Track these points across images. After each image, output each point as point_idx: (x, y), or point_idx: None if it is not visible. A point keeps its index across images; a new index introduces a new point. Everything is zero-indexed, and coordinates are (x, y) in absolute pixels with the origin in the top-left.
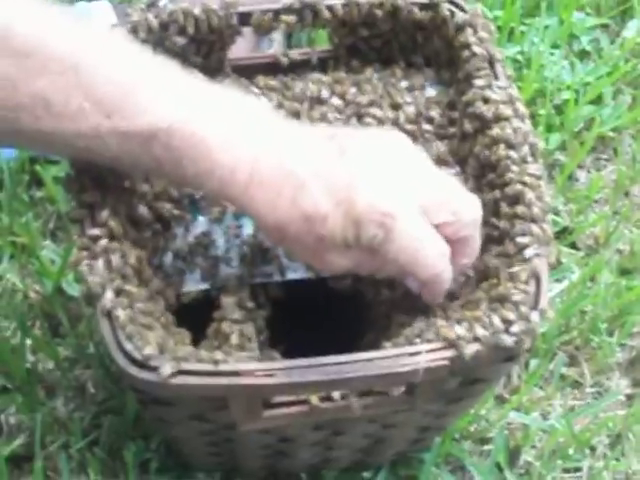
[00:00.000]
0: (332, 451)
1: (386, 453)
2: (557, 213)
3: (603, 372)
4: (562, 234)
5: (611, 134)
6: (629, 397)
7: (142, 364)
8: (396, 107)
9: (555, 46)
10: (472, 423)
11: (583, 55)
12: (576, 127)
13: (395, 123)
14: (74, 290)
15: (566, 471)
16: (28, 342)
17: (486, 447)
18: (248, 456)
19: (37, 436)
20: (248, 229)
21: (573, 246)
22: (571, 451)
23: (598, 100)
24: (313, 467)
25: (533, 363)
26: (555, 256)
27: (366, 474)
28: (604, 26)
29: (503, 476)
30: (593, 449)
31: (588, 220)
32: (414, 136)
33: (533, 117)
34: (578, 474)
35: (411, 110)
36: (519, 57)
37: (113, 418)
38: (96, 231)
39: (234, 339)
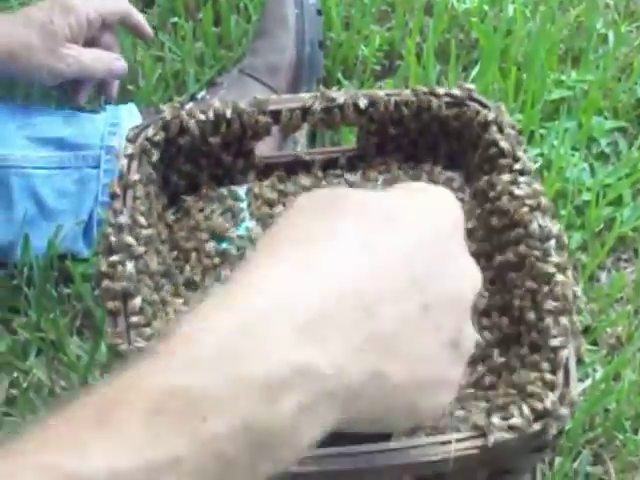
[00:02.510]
0: None
1: None
2: (579, 312)
3: (628, 470)
4: (584, 333)
5: (631, 234)
6: None
7: None
8: None
9: (575, 148)
10: None
11: (602, 157)
12: (597, 227)
13: None
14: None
15: None
16: None
17: None
18: None
19: None
20: None
21: (595, 344)
22: None
23: (618, 201)
24: None
25: (557, 461)
26: (582, 348)
27: None
28: (622, 129)
29: None
30: None
31: (610, 318)
32: None
33: (554, 218)
34: None
35: None
36: (539, 159)
37: None
38: (134, 319)
39: None
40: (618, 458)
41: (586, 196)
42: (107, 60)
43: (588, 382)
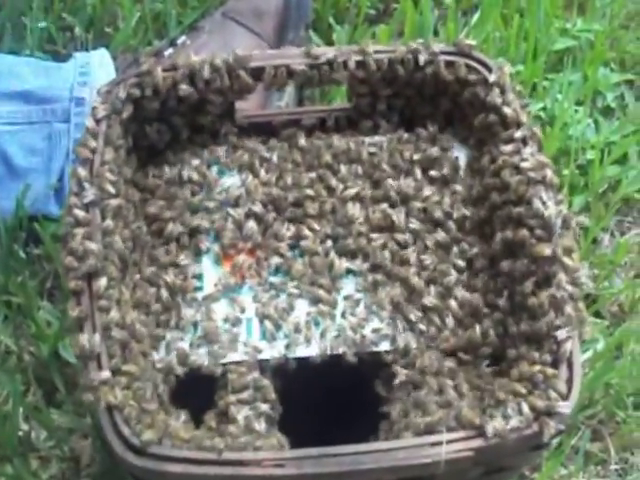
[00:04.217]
0: None
1: None
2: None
3: (628, 448)
4: (585, 301)
5: (636, 196)
6: None
7: (140, 451)
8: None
9: (579, 102)
10: None
11: (607, 112)
12: (600, 188)
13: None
14: (71, 356)
15: None
16: (21, 409)
17: None
18: None
19: None
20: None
21: (597, 314)
22: None
23: (623, 160)
24: None
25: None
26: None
27: None
28: (629, 82)
29: None
30: None
31: (613, 287)
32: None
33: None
34: None
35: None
36: (542, 114)
37: None
38: (101, 302)
39: (242, 420)
40: (617, 435)
41: (590, 154)
42: None
43: (589, 354)
